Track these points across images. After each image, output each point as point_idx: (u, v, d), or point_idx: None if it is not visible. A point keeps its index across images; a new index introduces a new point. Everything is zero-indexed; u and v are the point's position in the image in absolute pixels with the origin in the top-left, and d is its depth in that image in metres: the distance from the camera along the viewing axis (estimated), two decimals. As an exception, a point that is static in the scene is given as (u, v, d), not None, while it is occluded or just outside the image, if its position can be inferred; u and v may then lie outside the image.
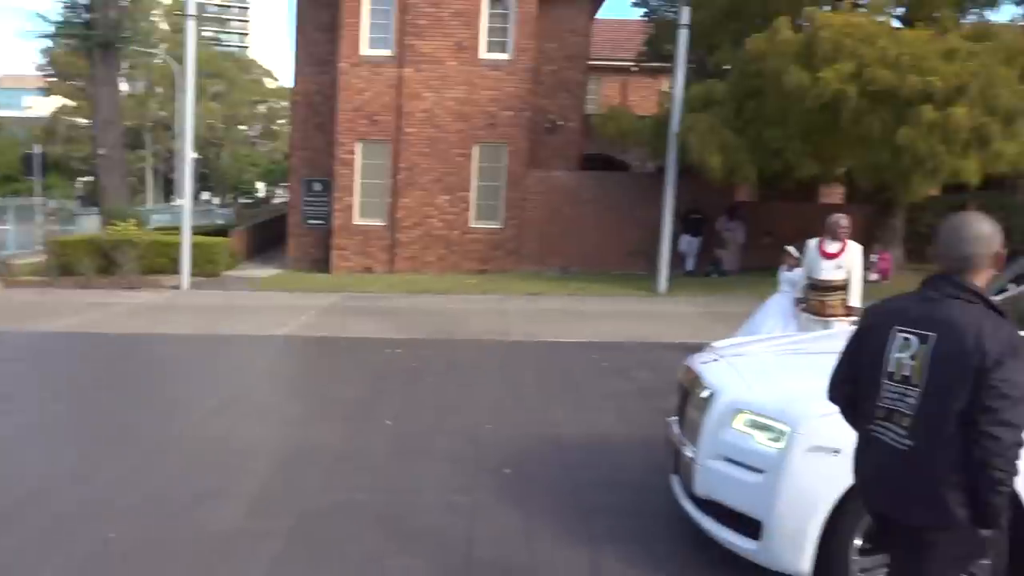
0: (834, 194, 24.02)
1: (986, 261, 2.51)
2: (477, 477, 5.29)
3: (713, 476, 3.84)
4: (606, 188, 19.19)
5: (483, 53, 17.91)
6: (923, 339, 2.45)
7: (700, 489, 3.92)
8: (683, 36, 15.62)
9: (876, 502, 2.67)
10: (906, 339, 2.50)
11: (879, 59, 13.21)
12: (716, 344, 4.86)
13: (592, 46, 21.64)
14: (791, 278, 8.98)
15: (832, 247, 8.60)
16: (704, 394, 4.08)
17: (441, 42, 17.71)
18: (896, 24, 15.56)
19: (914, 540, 2.51)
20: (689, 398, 4.32)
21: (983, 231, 2.51)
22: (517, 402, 7.26)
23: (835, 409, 3.42)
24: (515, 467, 5.47)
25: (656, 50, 21.71)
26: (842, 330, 4.92)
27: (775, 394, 3.76)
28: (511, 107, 17.95)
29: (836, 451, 3.40)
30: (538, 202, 18.67)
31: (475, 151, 18.11)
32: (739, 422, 3.79)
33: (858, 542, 3.44)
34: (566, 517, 4.65)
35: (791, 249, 9.06)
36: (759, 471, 3.61)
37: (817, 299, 8.54)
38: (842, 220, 8.61)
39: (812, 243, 8.49)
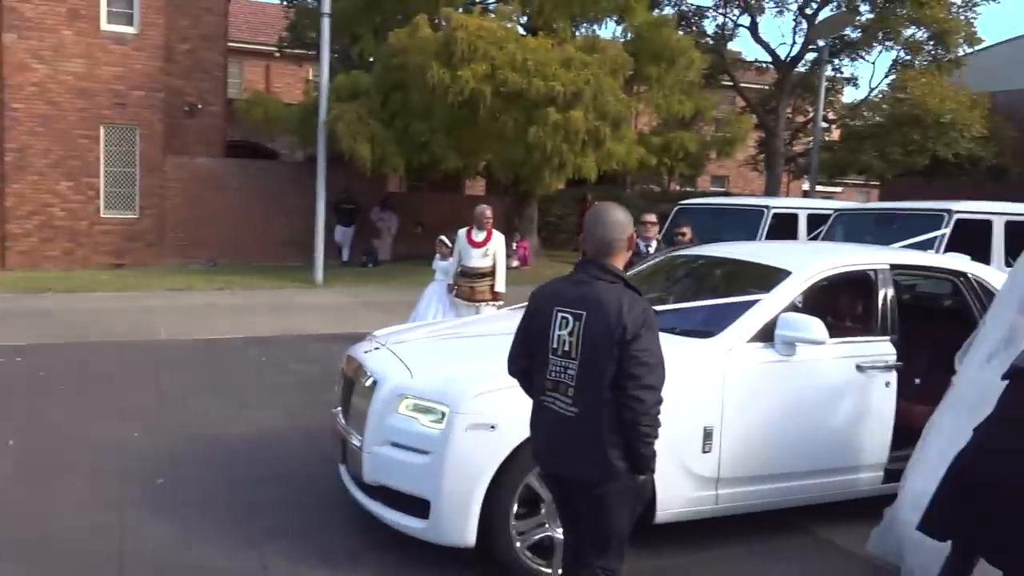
0: (478, 186, 25.67)
1: (623, 245, 2.89)
2: (125, 491, 4.84)
3: (381, 462, 3.93)
4: (254, 176, 18.47)
5: (104, 24, 16.15)
6: (577, 317, 2.79)
7: (369, 476, 3.99)
8: (326, 24, 15.54)
9: (551, 464, 2.99)
10: (564, 318, 2.82)
11: (509, 63, 14.37)
12: (377, 333, 4.96)
13: (232, 28, 20.62)
14: (445, 266, 9.44)
15: (479, 236, 9.21)
16: (368, 382, 4.16)
17: (50, 7, 15.62)
18: (522, 31, 17.01)
19: (588, 495, 2.86)
20: (353, 387, 4.38)
21: (619, 218, 2.90)
22: (169, 406, 6.75)
23: (490, 388, 3.74)
24: (169, 475, 5.10)
25: (299, 36, 21.35)
26: (492, 314, 5.31)
27: (435, 378, 3.95)
28: (141, 86, 16.44)
29: (492, 427, 3.70)
30: (179, 190, 17.39)
31: (102, 132, 16.31)
32: (403, 407, 3.92)
33: (515, 508, 3.77)
34: (229, 520, 4.46)
35: (444, 239, 9.52)
36: (425, 452, 3.78)
37: (467, 285, 9.09)
38: (487, 211, 9.26)
39: (462, 232, 9.00)
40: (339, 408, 4.58)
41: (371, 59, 17.37)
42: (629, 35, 17.51)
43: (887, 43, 22.31)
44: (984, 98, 19.96)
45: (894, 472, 4.56)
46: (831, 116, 24.14)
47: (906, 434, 4.53)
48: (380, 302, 12.85)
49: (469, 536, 3.73)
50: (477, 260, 9.06)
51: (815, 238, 9.95)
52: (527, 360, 2.98)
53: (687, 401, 4.05)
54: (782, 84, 22.43)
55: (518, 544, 3.78)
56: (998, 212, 8.73)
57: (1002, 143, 20.08)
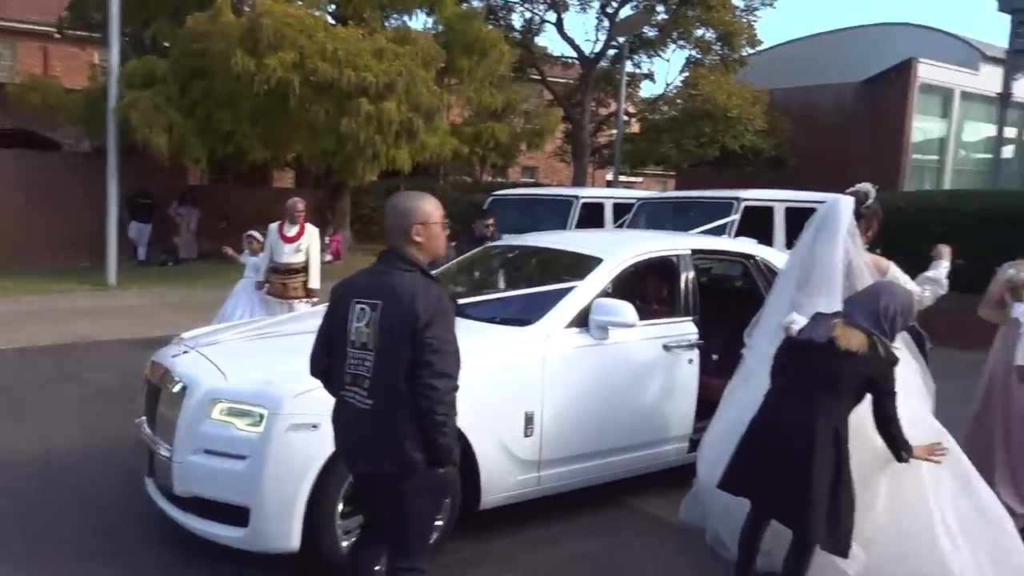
0: (286, 178, 24.79)
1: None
2: None
3: (195, 471, 3.72)
4: (31, 169, 16.73)
5: None
6: (373, 307, 2.76)
7: (180, 487, 3.76)
8: (115, 5, 14.37)
9: (352, 460, 2.94)
10: (362, 309, 2.79)
11: (319, 52, 13.99)
12: (185, 335, 4.68)
13: (2, 5, 18.61)
14: (255, 263, 9.05)
15: (291, 230, 8.90)
16: (176, 388, 3.92)
17: None
18: (331, 20, 16.60)
19: (387, 491, 2.81)
20: (160, 395, 4.11)
21: (417, 207, 2.87)
22: (-62, 428, 6.01)
23: (310, 387, 3.62)
24: (-55, 507, 4.56)
25: (82, 16, 19.60)
26: (306, 311, 5.16)
27: (250, 380, 3.78)
28: None
29: (315, 426, 3.59)
30: (-58, 185, 15.51)
31: None
32: (217, 412, 3.73)
33: (340, 507, 3.69)
34: (24, 552, 4.05)
35: (255, 234, 9.12)
36: (242, 457, 3.61)
37: (279, 282, 8.77)
38: (299, 204, 8.97)
39: (273, 227, 8.66)
40: (144, 418, 4.28)
41: (167, 44, 16.28)
42: (439, 27, 17.57)
43: (680, 42, 23.78)
44: (764, 95, 21.77)
45: (698, 442, 4.90)
46: (631, 110, 25.42)
47: (708, 407, 4.87)
48: (182, 303, 12.11)
49: (293, 541, 3.61)
50: (289, 256, 8.77)
51: (620, 226, 10.45)
52: (329, 359, 2.92)
53: (508, 388, 4.15)
54: (587, 79, 23.33)
55: (345, 544, 3.71)
56: (779, 199, 9.57)
57: (780, 136, 22.00)
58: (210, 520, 3.74)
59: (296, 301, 8.83)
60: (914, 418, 3.72)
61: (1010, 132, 23.61)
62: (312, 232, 9.00)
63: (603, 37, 23.27)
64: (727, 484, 3.54)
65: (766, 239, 8.38)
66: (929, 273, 4.43)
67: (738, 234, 8.47)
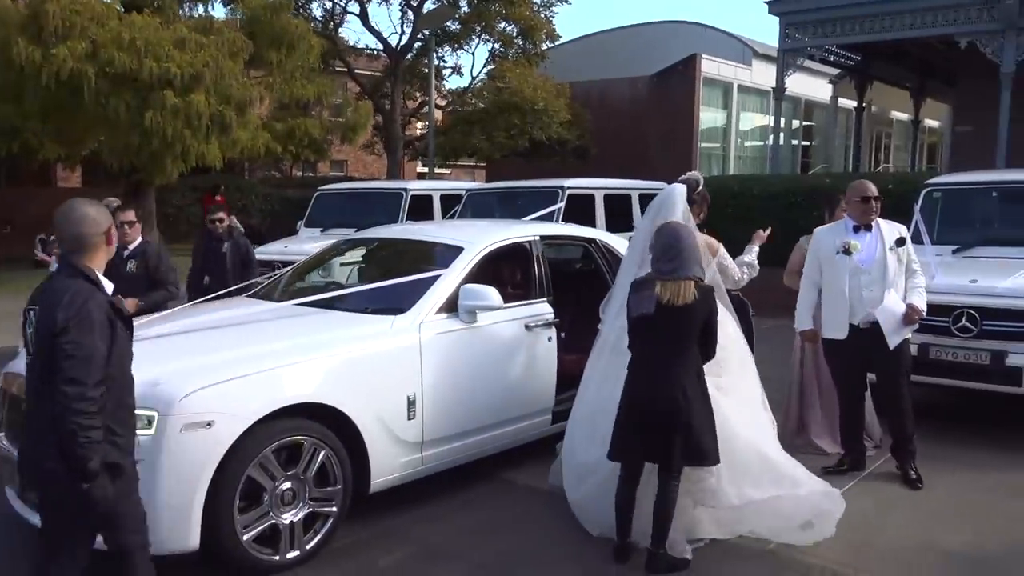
0: (73, 178, 22.96)
1: (96, 239, 2.96)
2: None
3: (78, 482, 3.60)
4: None
5: None
6: (35, 313, 2.90)
7: (62, 500, 3.63)
8: None
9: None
10: (32, 314, 2.93)
11: (114, 41, 13.15)
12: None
13: None
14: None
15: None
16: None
17: None
18: (122, 8, 15.57)
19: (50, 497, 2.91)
20: (22, 406, 3.90)
21: (88, 213, 2.96)
22: None
23: (199, 385, 3.65)
24: None
25: None
26: (173, 311, 5.03)
27: (140, 381, 3.68)
28: None
29: (208, 424, 3.61)
30: None
31: None
32: (100, 419, 3.63)
33: (237, 503, 3.72)
34: None
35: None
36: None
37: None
38: (116, 202, 8.53)
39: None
40: (2, 433, 4.06)
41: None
42: (240, 16, 16.95)
43: (483, 36, 24.40)
44: (566, 88, 22.86)
45: (559, 413, 5.32)
46: (440, 102, 25.77)
47: (564, 381, 5.30)
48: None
49: (192, 540, 3.61)
50: None
51: (452, 216, 10.75)
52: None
53: (390, 374, 4.33)
54: (395, 71, 23.38)
55: (244, 538, 3.75)
56: (598, 187, 10.26)
57: (582, 127, 23.20)
58: (97, 531, 3.63)
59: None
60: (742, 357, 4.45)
61: (762, 120, 26.38)
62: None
63: (409, 29, 23.43)
64: (620, 454, 3.91)
65: (588, 224, 8.99)
66: (745, 257, 5.10)
67: (565, 220, 9.03)
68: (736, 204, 12.23)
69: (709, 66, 22.87)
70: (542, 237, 5.55)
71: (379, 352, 4.32)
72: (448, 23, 23.26)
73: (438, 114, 24.71)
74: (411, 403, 4.38)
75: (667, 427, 3.77)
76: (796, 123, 26.95)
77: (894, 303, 4.86)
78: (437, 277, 4.82)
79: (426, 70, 24.54)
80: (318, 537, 4.02)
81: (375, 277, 5.30)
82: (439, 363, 4.53)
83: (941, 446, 5.52)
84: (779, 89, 14.70)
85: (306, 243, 10.47)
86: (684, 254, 3.93)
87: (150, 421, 3.57)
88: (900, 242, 5.02)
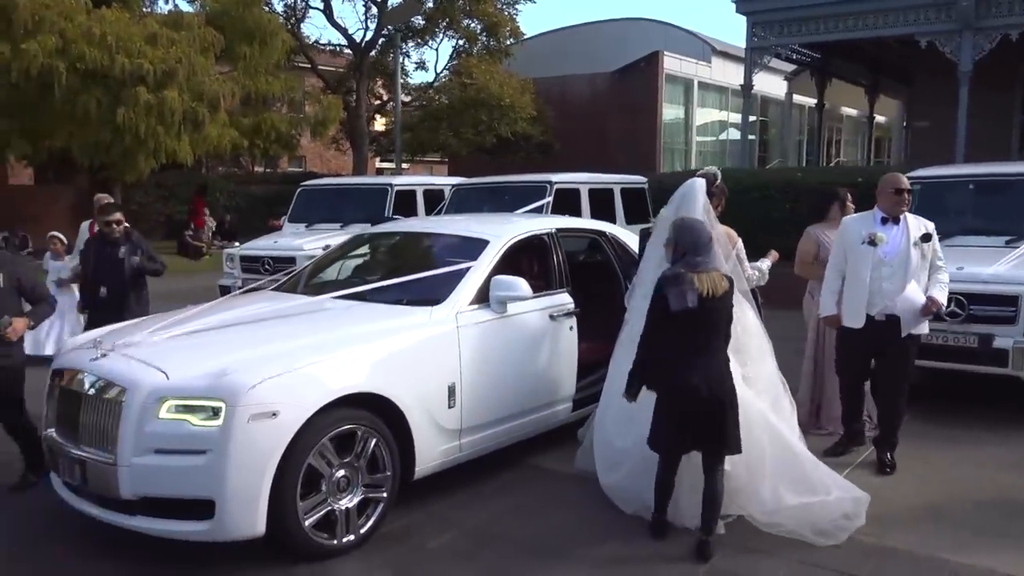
0: (25, 174, 22.44)
1: None
2: None
3: (145, 472, 3.68)
4: None
5: None
6: None
7: (130, 490, 3.70)
8: None
9: None
10: None
11: (84, 36, 12.99)
12: (80, 339, 4.51)
13: None
14: (59, 267, 8.42)
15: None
16: (112, 392, 3.83)
17: None
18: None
19: None
20: (80, 402, 3.97)
21: None
22: None
23: (264, 376, 3.77)
24: None
25: None
26: (214, 303, 5.10)
27: (196, 374, 3.79)
28: None
29: (274, 414, 3.72)
30: None
31: None
32: (165, 411, 3.71)
33: (299, 489, 3.84)
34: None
35: (58, 235, 8.47)
36: (201, 452, 3.65)
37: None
38: (103, 199, 8.50)
39: (84, 226, 8.15)
40: (53, 429, 4.12)
41: None
42: (206, 10, 16.80)
43: (448, 32, 24.46)
44: (530, 84, 23.06)
45: (579, 401, 5.53)
46: (404, 98, 25.75)
47: (583, 368, 5.51)
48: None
49: (259, 526, 3.72)
50: None
51: (439, 212, 10.87)
52: None
53: (433, 363, 4.48)
54: (361, 66, 23.32)
55: (306, 524, 3.87)
56: (583, 182, 10.47)
57: (545, 123, 23.43)
58: (166, 519, 3.73)
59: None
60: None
61: (735, 117, 26.98)
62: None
63: (373, 25, 23.39)
64: (665, 445, 4.07)
65: (575, 216, 9.21)
66: (760, 264, 5.36)
67: (552, 214, 9.22)
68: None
69: (671, 63, 23.31)
70: (559, 229, 5.74)
71: (422, 342, 4.47)
72: (413, 19, 23.27)
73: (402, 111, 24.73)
74: (451, 391, 4.54)
75: (715, 415, 3.96)
76: (752, 118, 27.62)
77: (914, 293, 4.98)
78: (467, 269, 4.97)
79: (390, 66, 24.60)
80: (371, 522, 4.15)
81: (401, 270, 5.40)
82: (475, 352, 4.69)
83: (936, 426, 5.87)
84: (747, 86, 15.11)
85: (295, 238, 10.53)
86: (713, 247, 4.15)
87: (215, 412, 3.67)
88: (926, 238, 5.10)
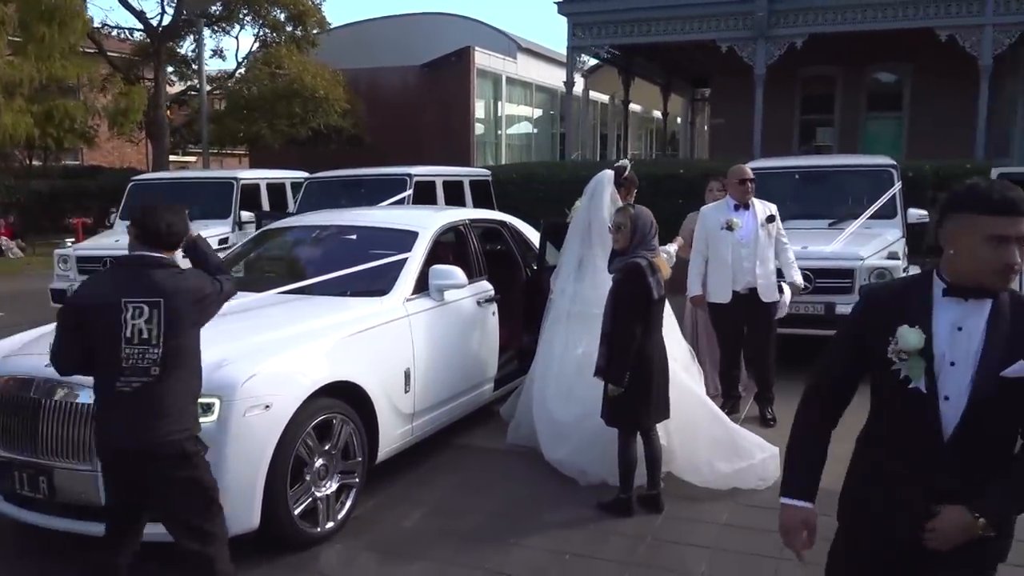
0: None
1: None
2: None
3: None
4: None
5: None
6: None
7: (114, 497, 3.56)
8: None
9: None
10: None
11: None
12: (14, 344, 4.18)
13: None
14: None
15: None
16: (87, 397, 3.63)
17: None
18: None
19: None
20: (41, 409, 3.71)
21: None
22: None
23: (256, 370, 3.78)
24: None
25: None
26: None
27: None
28: None
29: (267, 406, 3.73)
30: None
31: None
32: (150, 411, 3.60)
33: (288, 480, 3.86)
34: None
35: None
36: (197, 449, 3.58)
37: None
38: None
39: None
40: (-3, 440, 3.82)
41: None
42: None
43: (250, 20, 23.49)
44: (340, 76, 22.76)
45: (499, 380, 5.85)
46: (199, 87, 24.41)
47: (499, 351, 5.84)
48: None
49: (255, 520, 3.72)
50: None
51: (296, 206, 10.65)
52: None
53: (390, 350, 4.63)
54: (159, 53, 21.85)
55: (296, 512, 3.90)
56: (438, 175, 10.70)
57: (356, 115, 23.23)
58: (154, 522, 3.61)
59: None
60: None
61: (538, 112, 28.25)
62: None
63: (171, 10, 21.98)
64: (626, 422, 4.38)
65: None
66: (668, 248, 5.97)
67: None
68: (544, 189, 13.29)
69: (481, 58, 23.93)
70: (471, 220, 6.01)
71: (380, 331, 4.59)
72: (213, 6, 22.15)
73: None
74: (407, 377, 4.69)
75: (665, 387, 4.44)
76: (552, 113, 29.04)
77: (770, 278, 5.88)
78: (404, 260, 5.12)
79: (183, 52, 23.30)
80: (346, 508, 4.23)
81: (332, 263, 5.39)
82: (422, 339, 4.87)
83: (800, 383, 6.76)
84: (569, 83, 16.01)
85: (138, 237, 9.87)
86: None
87: (209, 407, 3.62)
88: (770, 219, 5.97)
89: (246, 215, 10.64)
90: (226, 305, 4.66)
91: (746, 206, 5.98)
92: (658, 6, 14.60)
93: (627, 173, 5.59)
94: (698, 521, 4.36)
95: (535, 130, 28.30)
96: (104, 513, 3.20)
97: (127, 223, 9.61)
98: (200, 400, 3.59)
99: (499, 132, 25.86)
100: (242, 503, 3.66)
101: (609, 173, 5.44)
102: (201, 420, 3.58)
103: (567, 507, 4.53)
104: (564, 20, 15.70)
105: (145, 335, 2.92)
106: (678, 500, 4.56)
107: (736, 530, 4.24)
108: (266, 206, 11.33)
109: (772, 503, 4.45)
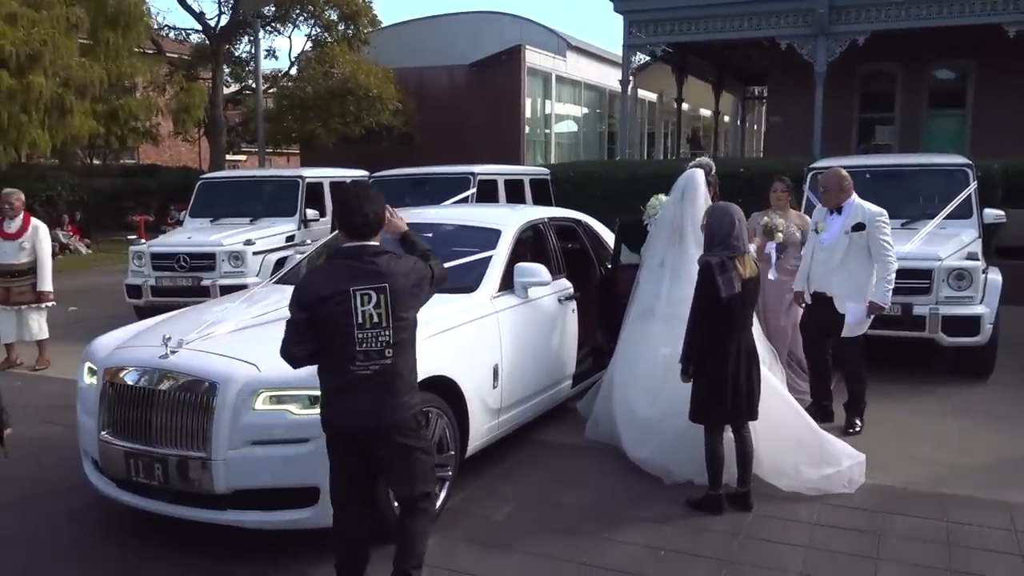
0: None
1: None
2: None
3: (244, 465, 3.67)
4: None
5: None
6: None
7: (227, 484, 3.67)
8: None
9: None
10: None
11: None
12: (120, 337, 4.35)
13: None
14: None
15: (11, 226, 7.91)
16: (199, 388, 3.76)
17: None
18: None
19: None
20: (153, 400, 3.85)
21: None
22: None
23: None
24: None
25: None
26: (261, 291, 5.01)
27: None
28: None
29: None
30: None
31: None
32: (260, 402, 3.72)
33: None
34: None
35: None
36: (305, 440, 3.69)
37: (2, 286, 7.81)
38: (15, 195, 7.98)
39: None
40: (107, 431, 3.96)
41: None
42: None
43: (305, 20, 23.85)
44: (392, 74, 22.97)
45: (577, 377, 5.90)
46: (255, 87, 24.83)
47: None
48: None
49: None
50: (12, 256, 7.83)
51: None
52: None
53: (481, 345, 4.71)
54: (217, 53, 22.30)
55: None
56: (500, 173, 10.76)
57: (407, 114, 23.42)
58: (262, 510, 3.74)
59: (25, 307, 7.90)
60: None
61: (574, 109, 28.19)
62: (39, 227, 8.06)
63: (228, 11, 22.41)
64: (720, 421, 4.42)
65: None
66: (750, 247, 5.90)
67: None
68: (604, 188, 13.28)
69: (532, 57, 23.96)
70: (550, 218, 6.06)
71: (472, 326, 4.66)
72: (268, 7, 22.52)
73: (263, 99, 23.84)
74: (496, 372, 4.76)
75: (751, 387, 4.44)
76: (599, 111, 29.00)
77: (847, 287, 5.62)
78: (489, 258, 5.19)
79: (238, 53, 23.74)
80: (439, 500, 4.30)
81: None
82: (509, 335, 4.94)
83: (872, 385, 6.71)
84: (624, 81, 15.97)
85: (209, 233, 10.13)
86: (745, 231, 4.57)
87: (315, 400, 3.71)
88: (857, 227, 5.65)
89: (311, 213, 10.80)
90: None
91: (838, 211, 5.80)
92: (716, 3, 14.51)
93: (712, 172, 5.59)
94: (789, 520, 4.35)
95: (580, 128, 28.22)
96: (334, 494, 3.34)
97: (197, 219, 9.77)
98: (304, 393, 3.73)
99: (547, 130, 25.86)
100: (346, 493, 3.75)
101: (700, 171, 5.42)
102: (308, 413, 3.71)
103: (656, 503, 4.56)
104: (614, 18, 15.65)
105: (376, 319, 3.10)
106: (766, 499, 4.56)
107: (829, 529, 4.24)
108: (329, 205, 11.47)
109: (861, 504, 4.52)
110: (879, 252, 5.57)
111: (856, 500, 4.58)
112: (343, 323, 3.09)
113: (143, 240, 11.60)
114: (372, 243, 3.26)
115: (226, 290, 9.04)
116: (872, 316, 5.69)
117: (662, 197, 5.69)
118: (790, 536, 4.18)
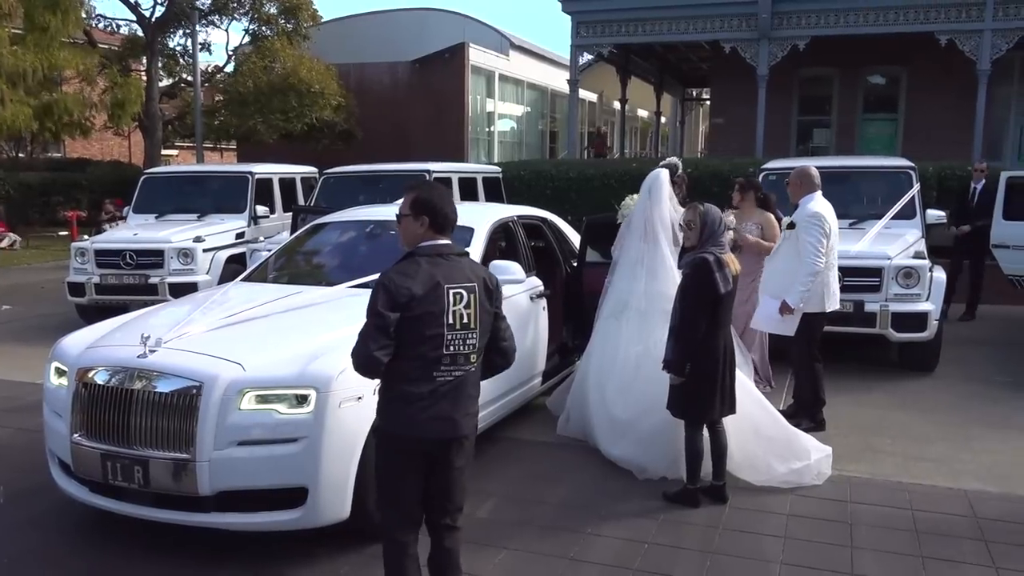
0: None
1: None
2: None
3: (230, 466, 3.59)
4: None
5: None
6: None
7: (212, 486, 3.58)
8: None
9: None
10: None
11: None
12: (90, 337, 4.20)
13: None
14: None
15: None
16: (181, 387, 3.66)
17: None
18: None
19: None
20: (134, 400, 3.72)
21: None
22: None
23: (348, 364, 3.82)
24: None
25: None
26: (221, 288, 4.88)
27: (276, 363, 3.74)
28: None
29: (359, 398, 3.77)
30: None
31: None
32: (247, 402, 3.63)
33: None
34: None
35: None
36: (293, 440, 3.62)
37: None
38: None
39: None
40: (79, 433, 3.83)
41: None
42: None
43: (242, 14, 23.28)
44: (333, 70, 22.64)
45: (546, 374, 5.94)
46: (190, 79, 24.18)
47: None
48: None
49: (346, 510, 3.78)
50: None
51: (309, 202, 10.63)
52: None
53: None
54: (152, 45, 21.62)
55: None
56: (454, 171, 10.73)
57: (348, 110, 23.10)
58: (248, 512, 3.67)
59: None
60: None
61: (516, 108, 28.31)
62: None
63: (164, 2, 21.74)
64: (709, 417, 4.48)
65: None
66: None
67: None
68: (553, 187, 13.37)
69: (476, 55, 23.92)
70: (519, 216, 6.07)
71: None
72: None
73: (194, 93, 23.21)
74: (475, 370, 4.74)
75: (732, 381, 4.54)
76: (544, 111, 29.14)
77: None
78: (463, 255, 5.16)
79: (172, 46, 23.10)
80: (422, 499, 4.28)
81: (386, 258, 5.43)
82: (486, 333, 4.92)
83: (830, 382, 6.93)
84: (573, 80, 16.09)
85: (156, 230, 9.82)
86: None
87: (303, 399, 3.67)
88: (789, 226, 5.68)
89: (261, 209, 10.59)
90: (306, 298, 4.75)
91: (795, 208, 5.89)
92: (662, 6, 14.75)
93: (679, 172, 5.69)
94: (764, 511, 4.47)
95: (521, 127, 28.30)
96: (397, 517, 3.05)
97: (140, 216, 9.44)
98: (292, 392, 3.67)
99: (490, 129, 25.86)
100: (334, 494, 3.72)
101: (664, 171, 5.52)
102: (296, 412, 3.66)
103: (633, 498, 4.63)
104: (557, 19, 15.77)
105: (465, 319, 2.93)
106: (739, 492, 4.68)
107: (803, 520, 4.36)
108: (279, 201, 11.27)
109: (831, 495, 4.67)
110: (802, 252, 5.49)
111: (825, 491, 4.73)
112: (435, 323, 2.88)
113: (86, 237, 11.17)
114: (452, 243, 3.07)
115: (175, 288, 8.82)
116: (785, 315, 5.53)
117: (636, 197, 5.77)
118: (767, 527, 4.29)
